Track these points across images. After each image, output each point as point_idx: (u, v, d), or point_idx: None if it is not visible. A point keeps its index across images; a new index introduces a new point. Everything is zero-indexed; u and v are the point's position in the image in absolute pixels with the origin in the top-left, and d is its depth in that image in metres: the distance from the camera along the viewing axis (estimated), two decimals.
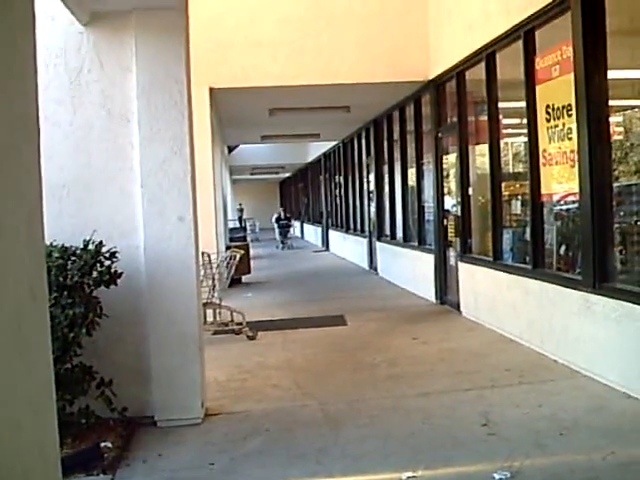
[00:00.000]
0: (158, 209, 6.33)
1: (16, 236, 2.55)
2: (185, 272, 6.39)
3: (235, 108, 15.33)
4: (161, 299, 6.29)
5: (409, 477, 4.92)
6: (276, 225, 32.32)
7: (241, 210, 44.29)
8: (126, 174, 6.39)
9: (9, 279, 2.44)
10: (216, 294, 10.52)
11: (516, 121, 10.05)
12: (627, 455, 5.18)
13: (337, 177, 25.48)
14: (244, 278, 16.96)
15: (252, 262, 18.38)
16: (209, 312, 10.21)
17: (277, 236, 32.11)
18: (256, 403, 6.93)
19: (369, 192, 19.31)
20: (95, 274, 5.80)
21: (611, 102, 7.31)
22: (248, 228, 36.87)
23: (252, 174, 40.42)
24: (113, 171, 6.42)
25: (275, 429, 6.14)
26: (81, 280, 5.66)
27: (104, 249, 5.88)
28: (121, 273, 5.95)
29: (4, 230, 2.42)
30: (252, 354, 9.05)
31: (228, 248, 14.04)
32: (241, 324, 10.24)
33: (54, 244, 5.72)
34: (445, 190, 12.48)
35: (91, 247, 5.83)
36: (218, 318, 10.52)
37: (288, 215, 33.58)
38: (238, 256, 11.21)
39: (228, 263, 11.22)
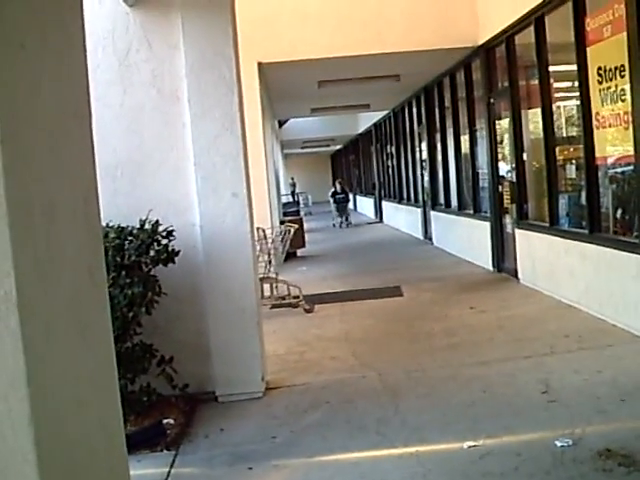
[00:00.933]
0: (212, 186, 6.37)
1: (73, 218, 2.58)
2: (241, 248, 6.44)
3: (284, 82, 15.30)
4: (218, 275, 6.34)
5: (470, 446, 4.92)
6: (332, 200, 27.86)
7: (294, 185, 44.40)
8: (179, 152, 6.44)
9: (67, 262, 2.48)
10: (272, 268, 10.58)
11: (568, 84, 9.88)
12: None
13: (389, 147, 25.33)
14: (299, 252, 17.02)
15: (306, 236, 18.43)
16: (266, 287, 10.27)
17: (334, 213, 27.80)
18: (315, 375, 6.98)
19: (422, 161, 19.19)
20: (152, 253, 5.87)
21: None
22: (301, 202, 36.92)
23: (303, 148, 40.40)
24: (166, 150, 6.47)
25: (335, 401, 6.18)
26: (138, 259, 5.73)
27: (160, 228, 5.94)
28: (178, 251, 6.01)
29: (61, 212, 2.46)
30: (310, 327, 9.11)
31: (282, 223, 14.11)
32: (298, 297, 10.29)
33: (110, 225, 5.78)
34: (499, 156, 12.34)
35: (147, 226, 5.89)
36: (275, 292, 10.59)
37: (345, 188, 29.01)
38: (292, 230, 11.26)
39: (283, 237, 11.27)
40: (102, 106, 6.21)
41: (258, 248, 9.32)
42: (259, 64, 12.44)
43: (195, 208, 6.40)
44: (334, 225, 27.43)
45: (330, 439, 5.37)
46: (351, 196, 31.82)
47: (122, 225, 5.87)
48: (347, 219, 27.45)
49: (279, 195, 20.85)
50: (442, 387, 6.32)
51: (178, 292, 6.21)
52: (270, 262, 10.50)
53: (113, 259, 5.54)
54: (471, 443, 4.96)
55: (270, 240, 10.69)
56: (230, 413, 6.05)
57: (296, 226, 11.73)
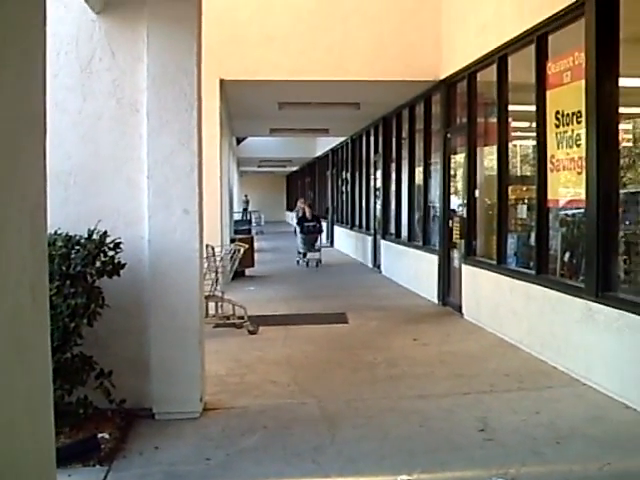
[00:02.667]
0: (164, 201, 6.32)
1: (19, 235, 2.51)
2: (188, 265, 6.38)
3: (245, 100, 15.33)
4: (163, 291, 6.28)
5: None
6: (298, 229, 20.93)
7: (247, 202, 44.29)
8: (134, 164, 6.38)
9: (10, 277, 2.41)
10: (219, 287, 10.50)
11: (525, 125, 10.03)
12: (623, 466, 5.18)
13: (344, 173, 25.43)
14: (248, 271, 16.95)
15: (256, 255, 18.37)
16: (211, 305, 10.20)
17: (299, 246, 20.61)
18: (254, 399, 6.92)
19: (375, 189, 19.30)
20: (98, 264, 5.78)
21: (621, 110, 7.30)
22: (253, 221, 36.82)
23: (260, 166, 40.42)
24: (121, 160, 6.40)
25: (272, 426, 6.13)
26: (84, 270, 5.65)
27: (109, 239, 5.86)
28: (124, 264, 5.94)
29: (7, 227, 2.39)
30: (252, 349, 9.05)
31: (233, 241, 14.05)
32: (242, 318, 10.23)
33: (58, 232, 5.70)
34: (452, 190, 12.46)
35: (95, 237, 5.81)
36: (220, 311, 10.51)
37: (316, 213, 22.58)
38: (242, 250, 11.20)
39: (232, 256, 11.22)
40: (60, 112, 6.16)
41: (206, 265, 9.26)
42: (221, 81, 12.45)
43: (145, 221, 6.33)
44: (298, 262, 20.21)
45: (265, 464, 5.32)
46: (325, 224, 24.83)
47: (71, 233, 5.78)
48: (316, 254, 20.10)
49: (231, 212, 20.75)
50: (380, 418, 6.31)
51: (121, 305, 6.13)
52: (217, 280, 10.42)
53: (59, 268, 5.46)
54: (405, 477, 4.95)
55: (219, 258, 10.63)
56: (166, 431, 5.97)
57: (246, 246, 11.67)
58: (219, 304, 10.49)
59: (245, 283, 15.47)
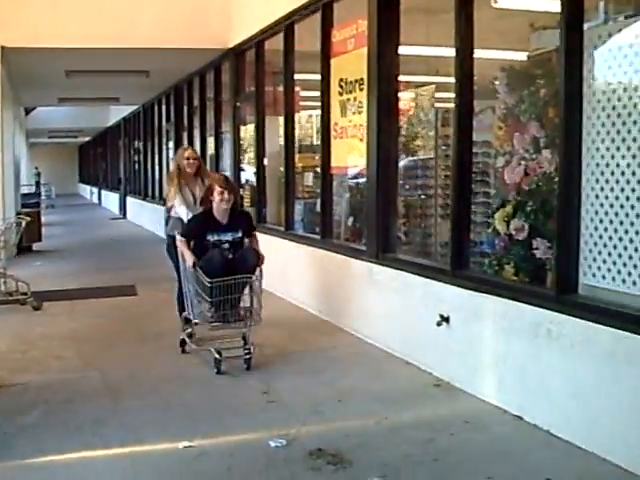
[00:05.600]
0: None
1: None
2: None
3: (30, 69, 14.61)
4: None
5: (186, 447, 4.90)
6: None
7: (38, 174, 42.57)
8: None
9: None
10: (1, 263, 10.06)
11: (312, 94, 10.16)
12: (399, 420, 5.39)
13: (136, 143, 24.94)
14: (35, 246, 16.31)
15: (45, 229, 17.72)
16: None
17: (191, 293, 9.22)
18: (36, 375, 6.68)
19: (168, 159, 19.01)
20: None
21: (405, 78, 7.53)
22: (43, 194, 35.45)
23: (50, 137, 38.90)
24: None
25: (54, 401, 5.94)
26: None
27: None
28: None
29: None
30: (36, 325, 8.73)
31: (19, 214, 13.45)
32: (26, 294, 9.84)
33: None
34: (243, 159, 12.49)
35: None
36: (3, 288, 10.08)
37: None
38: (24, 223, 10.73)
39: (18, 231, 10.74)
40: None
41: None
42: (2, 48, 11.81)
43: None
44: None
45: (44, 441, 5.15)
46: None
47: None
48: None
49: (18, 185, 19.82)
50: (164, 388, 6.25)
51: None
52: None
53: None
54: (187, 444, 4.94)
55: None
56: None
57: (28, 218, 11.17)
58: (1, 280, 10.06)
59: (32, 258, 14.87)
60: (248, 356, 6.56)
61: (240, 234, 7.09)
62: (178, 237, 7.10)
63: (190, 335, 7.12)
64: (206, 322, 6.78)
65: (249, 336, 6.75)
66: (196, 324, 6.97)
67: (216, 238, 6.95)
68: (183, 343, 7.17)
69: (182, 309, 7.34)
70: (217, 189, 6.93)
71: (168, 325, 8.06)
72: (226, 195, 6.90)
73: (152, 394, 6.09)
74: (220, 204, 6.93)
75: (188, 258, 6.77)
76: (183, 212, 7.74)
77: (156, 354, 7.36)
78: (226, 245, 6.97)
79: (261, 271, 6.90)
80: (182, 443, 4.93)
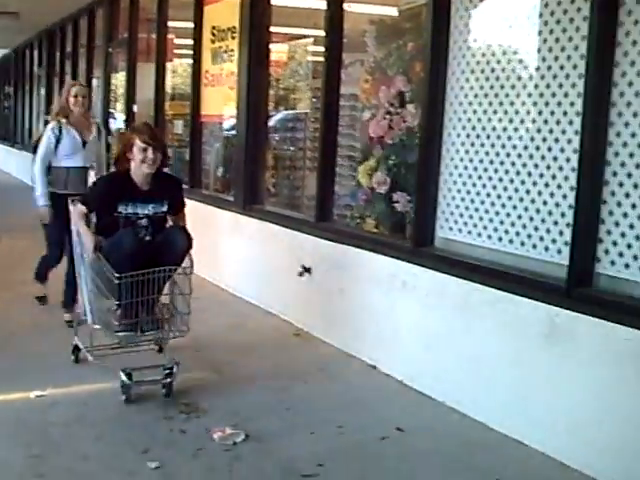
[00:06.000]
0: None
1: None
2: None
3: None
4: None
5: (38, 396, 4.81)
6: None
7: None
8: None
9: None
10: None
11: (187, 42, 9.97)
12: (248, 363, 5.41)
13: (7, 88, 24.03)
14: None
15: None
16: None
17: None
18: None
19: (40, 105, 18.41)
20: None
21: (281, 30, 7.46)
22: None
23: None
24: None
25: None
26: None
27: None
28: None
29: None
30: None
31: None
32: None
33: None
34: (117, 107, 12.20)
35: None
36: None
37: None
38: None
39: None
40: None
41: None
42: None
43: None
44: None
45: None
46: None
47: None
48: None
49: None
50: (22, 337, 6.07)
51: None
52: None
53: None
54: (39, 393, 4.83)
55: None
56: None
57: None
58: None
59: None
60: (169, 379, 4.89)
61: (165, 208, 5.19)
62: (73, 206, 5.21)
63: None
64: (110, 330, 4.95)
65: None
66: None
67: (130, 211, 5.01)
68: (77, 350, 5.41)
69: (43, 277, 6.98)
70: (139, 144, 4.92)
71: (31, 274, 7.83)
72: (150, 154, 4.93)
73: (8, 344, 5.89)
74: (141, 166, 4.96)
75: (87, 240, 5.01)
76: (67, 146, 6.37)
77: (16, 302, 7.18)
78: (143, 221, 5.07)
79: (191, 260, 5.15)
80: (34, 393, 4.84)
